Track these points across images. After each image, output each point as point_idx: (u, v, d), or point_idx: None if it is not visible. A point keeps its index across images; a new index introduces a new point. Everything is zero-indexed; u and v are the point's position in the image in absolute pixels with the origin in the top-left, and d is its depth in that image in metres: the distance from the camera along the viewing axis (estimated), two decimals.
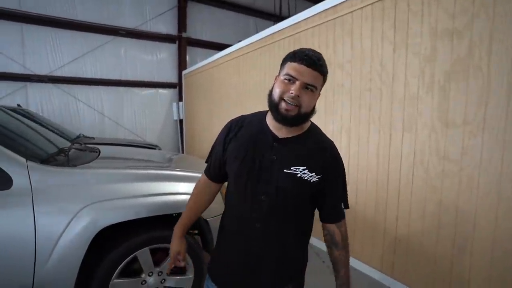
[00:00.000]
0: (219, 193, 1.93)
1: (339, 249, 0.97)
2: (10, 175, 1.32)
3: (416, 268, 2.01)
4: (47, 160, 1.52)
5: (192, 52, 7.27)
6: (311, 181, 0.89)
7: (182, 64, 7.00)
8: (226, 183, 1.10)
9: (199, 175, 1.89)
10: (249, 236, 0.94)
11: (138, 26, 6.41)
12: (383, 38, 2.15)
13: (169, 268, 1.19)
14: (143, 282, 1.67)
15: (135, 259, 1.62)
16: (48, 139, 2.01)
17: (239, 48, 4.26)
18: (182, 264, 1.16)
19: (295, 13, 3.31)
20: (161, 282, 1.73)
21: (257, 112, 1.05)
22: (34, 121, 3.07)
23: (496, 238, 1.60)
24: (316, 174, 0.89)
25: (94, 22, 5.89)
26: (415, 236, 2.02)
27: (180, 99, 7.10)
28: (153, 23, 6.63)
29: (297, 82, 0.83)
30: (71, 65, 5.79)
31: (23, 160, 1.38)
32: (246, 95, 4.11)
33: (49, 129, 2.87)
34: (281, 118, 0.87)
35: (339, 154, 0.98)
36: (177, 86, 7.12)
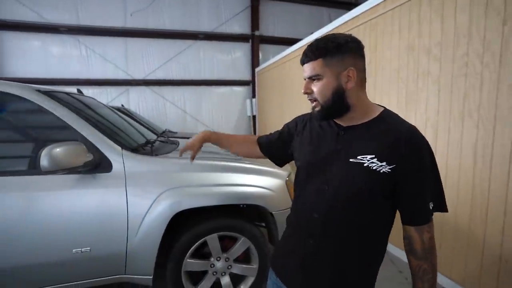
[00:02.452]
0: (286, 189, 1.95)
1: (417, 258, 0.81)
2: (111, 161, 1.60)
3: None
4: (137, 149, 1.77)
5: (264, 49, 7.44)
6: (381, 171, 0.77)
7: (255, 62, 7.24)
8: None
9: (271, 169, 1.95)
10: (307, 230, 0.89)
11: (215, 29, 6.90)
12: (487, 9, 1.75)
13: (182, 151, 1.18)
14: (212, 265, 1.81)
15: (205, 243, 1.76)
16: (140, 132, 2.35)
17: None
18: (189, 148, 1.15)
19: None
20: (227, 267, 1.84)
21: None
22: (131, 117, 3.65)
23: None
24: (388, 164, 0.76)
25: (178, 29, 6.62)
26: None
27: (254, 95, 7.36)
28: (228, 24, 7.04)
29: (305, 80, 0.85)
30: (160, 69, 6.67)
31: (119, 148, 1.64)
32: None
33: (141, 124, 3.37)
34: (313, 115, 0.88)
35: (422, 141, 0.79)
36: (251, 83, 7.40)
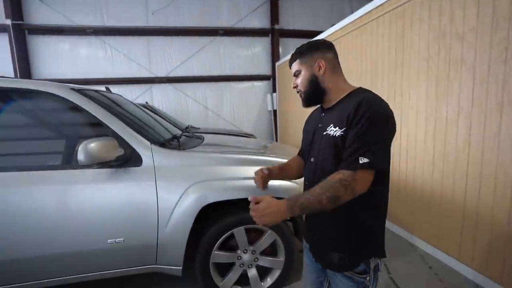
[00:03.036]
0: None
1: (321, 184, 0.89)
2: (141, 155, 1.66)
3: None
4: (164, 144, 1.82)
5: (284, 43, 7.35)
6: (336, 135, 0.95)
7: (275, 56, 7.18)
8: None
9: None
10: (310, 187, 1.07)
11: (235, 25, 6.90)
12: None
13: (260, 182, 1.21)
14: (239, 258, 1.84)
15: (232, 236, 1.80)
16: (166, 128, 2.42)
17: (332, 33, 4.04)
18: (259, 178, 1.20)
19: None
20: (254, 260, 1.86)
21: None
22: (156, 114, 3.75)
23: None
24: (340, 128, 0.94)
25: (198, 26, 6.69)
26: None
27: (274, 90, 7.32)
28: (248, 19, 7.01)
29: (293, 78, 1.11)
30: (182, 66, 6.78)
31: (148, 143, 1.70)
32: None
33: (166, 120, 3.46)
34: (303, 104, 1.11)
35: (367, 107, 0.89)
36: (271, 78, 7.36)
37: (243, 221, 1.78)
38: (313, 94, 1.07)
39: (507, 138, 1.78)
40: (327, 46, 1.09)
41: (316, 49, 1.07)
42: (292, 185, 1.83)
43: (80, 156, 1.43)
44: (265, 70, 7.36)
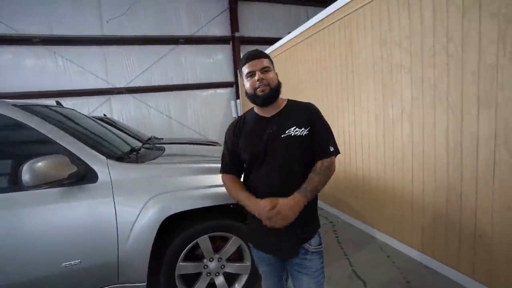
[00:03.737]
0: None
1: (313, 172, 1.13)
2: (96, 171, 1.60)
3: (504, 271, 1.72)
4: (122, 158, 1.77)
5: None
6: (303, 134, 1.14)
7: (237, 63, 7.27)
8: None
9: None
10: (270, 192, 1.13)
11: (195, 33, 6.89)
12: (448, 4, 1.86)
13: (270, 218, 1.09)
14: (205, 267, 1.83)
15: (197, 245, 1.79)
16: (124, 141, 2.34)
17: (289, 40, 4.21)
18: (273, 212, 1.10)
19: None
20: (221, 267, 1.87)
21: (247, 110, 1.33)
22: (115, 126, 3.61)
23: None
24: (305, 128, 1.14)
25: (157, 35, 6.56)
26: (500, 233, 1.72)
27: (238, 96, 7.39)
28: (208, 27, 7.03)
29: (257, 72, 1.14)
30: (142, 76, 6.59)
31: (104, 158, 1.64)
32: (299, 87, 4.05)
33: (126, 133, 3.34)
34: (262, 99, 1.15)
35: (318, 110, 1.23)
36: (234, 84, 7.43)
37: (207, 230, 1.79)
38: (276, 94, 1.17)
39: (441, 133, 2.00)
40: None
41: (268, 55, 1.22)
42: None
43: (25, 177, 1.34)
44: (228, 77, 7.42)
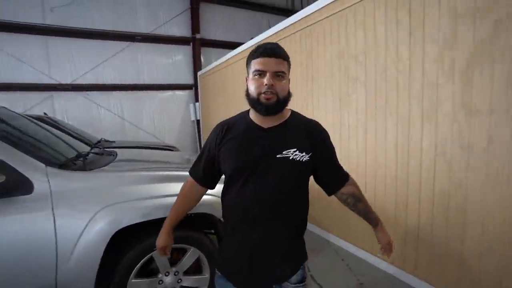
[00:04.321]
0: None
1: (363, 201, 1.08)
2: (31, 180, 1.39)
3: (441, 268, 1.90)
4: (66, 164, 1.57)
5: (206, 53, 7.35)
6: (303, 160, 0.96)
7: (197, 65, 7.10)
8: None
9: None
10: (252, 222, 0.98)
11: (153, 31, 6.57)
12: (398, 26, 2.03)
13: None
14: (160, 282, 1.70)
15: (151, 259, 1.66)
16: (69, 145, 2.09)
17: (250, 46, 4.23)
18: (167, 256, 1.24)
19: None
20: (177, 281, 1.76)
21: (239, 113, 1.10)
22: (58, 128, 3.23)
23: None
24: (306, 153, 0.96)
25: (111, 29, 6.10)
26: (439, 234, 1.91)
27: (197, 99, 7.20)
28: (167, 26, 6.76)
29: (267, 74, 0.91)
30: (92, 72, 6.05)
31: (42, 165, 1.44)
32: None
33: (71, 135, 3.01)
34: (265, 109, 0.93)
35: (325, 131, 1.06)
36: (193, 87, 7.23)
37: None
38: (282, 106, 0.96)
39: (391, 143, 2.17)
40: None
41: (289, 57, 0.98)
42: (214, 199, 1.81)
43: None
44: (187, 79, 7.20)
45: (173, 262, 1.75)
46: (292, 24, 3.20)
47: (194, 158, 2.89)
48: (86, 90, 6.04)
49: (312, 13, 2.83)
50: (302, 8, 6.59)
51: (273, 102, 0.92)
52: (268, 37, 3.73)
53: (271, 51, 0.91)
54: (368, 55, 2.29)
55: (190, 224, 1.87)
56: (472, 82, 1.65)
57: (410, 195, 2.06)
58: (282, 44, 3.52)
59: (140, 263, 1.61)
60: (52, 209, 1.40)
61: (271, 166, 0.95)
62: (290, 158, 0.95)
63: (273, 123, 0.98)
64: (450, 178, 1.81)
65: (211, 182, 1.13)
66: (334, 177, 1.07)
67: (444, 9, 1.75)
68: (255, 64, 0.92)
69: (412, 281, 2.09)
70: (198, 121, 7.21)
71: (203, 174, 1.10)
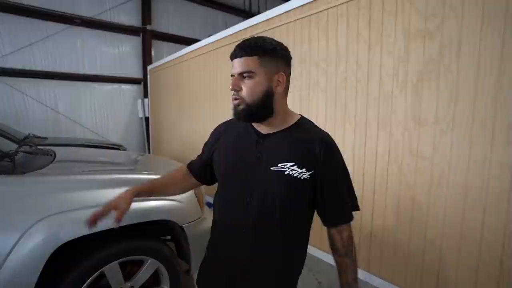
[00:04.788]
0: (195, 199, 1.84)
1: (340, 255, 0.88)
2: None
3: (391, 262, 2.07)
4: None
5: (158, 46, 6.88)
6: (302, 178, 0.79)
7: (147, 59, 6.59)
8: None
9: None
10: (236, 243, 0.86)
11: (96, 15, 5.88)
12: (358, 37, 2.16)
13: (92, 217, 0.87)
14: None
15: (102, 275, 1.44)
16: None
17: (209, 43, 4.09)
18: (118, 217, 0.86)
19: (265, 10, 3.25)
20: None
21: None
22: None
23: (463, 233, 1.68)
24: (307, 170, 0.80)
25: (43, 7, 5.27)
26: (389, 232, 2.07)
27: (146, 95, 6.69)
28: (114, 13, 6.13)
29: (233, 78, 0.81)
30: (17, 55, 5.12)
31: None
32: (218, 92, 3.97)
33: None
34: (235, 115, 0.83)
35: (335, 146, 0.86)
36: (142, 81, 6.70)
37: (117, 255, 1.47)
38: (260, 110, 0.81)
39: (348, 147, 2.29)
40: (290, 60, 0.87)
41: (283, 56, 0.83)
42: (173, 204, 1.67)
43: None
44: (136, 72, 6.64)
45: (128, 276, 1.55)
46: (255, 25, 3.18)
47: (141, 158, 2.66)
48: (7, 76, 5.09)
49: (277, 16, 2.85)
50: (259, 11, 6.66)
51: (241, 109, 0.81)
52: (229, 35, 3.65)
53: (238, 49, 0.80)
54: (329, 62, 2.39)
55: (147, 232, 1.69)
56: (422, 95, 1.83)
57: (365, 196, 2.20)
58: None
59: (88, 281, 1.38)
60: None
61: (263, 180, 0.82)
62: (286, 172, 0.79)
63: (272, 129, 0.85)
64: (400, 180, 1.98)
65: (208, 180, 1.04)
66: (329, 210, 0.86)
67: (399, 27, 1.91)
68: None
69: (364, 276, 2.23)
70: (147, 118, 6.70)
71: (197, 164, 1.03)
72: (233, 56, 0.82)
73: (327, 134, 0.88)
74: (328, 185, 0.83)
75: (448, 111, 1.71)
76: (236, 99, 0.81)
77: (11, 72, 5.09)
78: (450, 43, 1.67)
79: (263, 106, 0.80)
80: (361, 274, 2.26)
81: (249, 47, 0.79)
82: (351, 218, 0.87)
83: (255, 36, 0.86)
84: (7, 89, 5.10)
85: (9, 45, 5.05)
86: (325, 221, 0.89)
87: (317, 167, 0.81)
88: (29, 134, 3.26)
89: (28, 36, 5.19)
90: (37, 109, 5.39)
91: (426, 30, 1.78)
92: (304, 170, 0.80)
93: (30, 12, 5.15)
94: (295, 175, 0.79)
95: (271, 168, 0.81)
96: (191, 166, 1.05)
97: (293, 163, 0.80)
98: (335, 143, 0.87)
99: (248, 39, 0.82)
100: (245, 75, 0.79)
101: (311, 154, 0.81)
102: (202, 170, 1.02)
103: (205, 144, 1.03)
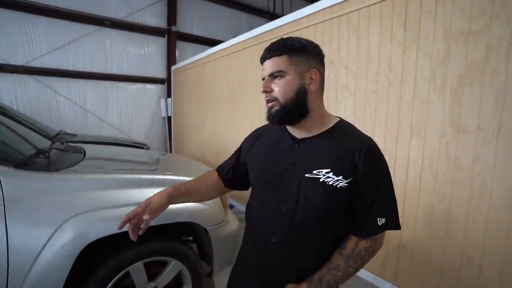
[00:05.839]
0: (219, 201, 1.82)
1: (341, 254, 0.79)
2: None
3: (421, 277, 1.95)
4: (24, 163, 1.31)
5: (182, 47, 7.01)
6: (338, 186, 0.74)
7: (171, 59, 6.73)
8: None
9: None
10: (266, 252, 0.82)
11: (125, 17, 6.08)
12: (392, 38, 2.06)
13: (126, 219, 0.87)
14: None
15: (127, 274, 1.45)
16: (25, 139, 1.78)
17: (234, 44, 4.09)
18: (147, 217, 0.84)
19: (290, 12, 3.19)
20: None
21: None
22: (7, 116, 2.79)
23: (508, 251, 1.55)
24: (344, 178, 0.74)
25: (76, 10, 5.52)
26: (421, 244, 1.95)
27: (169, 95, 6.83)
28: (141, 14, 6.31)
29: (264, 79, 0.80)
30: (51, 55, 5.39)
31: None
32: (241, 94, 3.96)
33: (25, 126, 2.61)
34: (269, 118, 0.81)
35: (377, 152, 0.79)
36: (166, 81, 6.85)
37: (143, 255, 1.47)
38: (295, 110, 0.78)
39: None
40: (323, 56, 0.86)
41: (314, 53, 0.81)
42: (198, 206, 1.66)
43: None
44: (160, 72, 6.79)
45: (152, 276, 1.56)
46: (280, 26, 3.13)
47: (163, 158, 2.69)
48: (42, 75, 5.37)
49: (304, 17, 2.79)
50: (283, 13, 6.61)
51: (275, 110, 0.78)
52: (253, 36, 3.63)
53: (267, 51, 0.80)
54: (359, 64, 2.30)
55: (172, 233, 1.69)
56: (462, 101, 1.70)
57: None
58: (264, 46, 3.42)
59: (113, 280, 1.39)
60: (5, 217, 1.15)
61: (297, 187, 0.77)
62: (321, 180, 0.75)
63: (308, 133, 0.82)
64: (434, 190, 1.86)
65: (238, 187, 1.01)
66: (359, 222, 0.79)
67: (439, 28, 1.79)
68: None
69: None
70: (169, 118, 6.84)
71: (227, 169, 1.00)
72: (263, 59, 0.81)
73: (369, 138, 0.82)
74: (364, 193, 0.77)
75: (493, 118, 1.58)
76: (269, 101, 0.79)
77: (45, 71, 5.36)
78: (498, 44, 1.54)
79: (297, 105, 0.77)
80: (389, 286, 2.15)
81: (278, 47, 0.78)
82: (376, 230, 0.79)
83: (283, 37, 0.85)
84: (40, 87, 5.38)
85: (45, 45, 5.33)
86: (350, 228, 0.82)
87: (356, 175, 0.75)
88: (60, 131, 3.40)
89: (62, 37, 5.46)
90: (67, 107, 5.65)
91: (470, 31, 1.66)
92: (340, 177, 0.75)
93: (64, 14, 5.41)
94: (330, 183, 0.74)
95: (306, 175, 0.77)
96: (223, 173, 1.02)
97: (329, 170, 0.75)
98: (378, 149, 0.81)
99: (277, 41, 0.81)
100: (275, 75, 0.78)
101: (349, 161, 0.75)
102: (232, 177, 1.00)
103: (238, 150, 1.00)
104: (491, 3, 1.56)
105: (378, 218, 0.77)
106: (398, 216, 0.83)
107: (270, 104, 0.79)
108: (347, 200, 0.77)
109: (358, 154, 0.76)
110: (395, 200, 0.82)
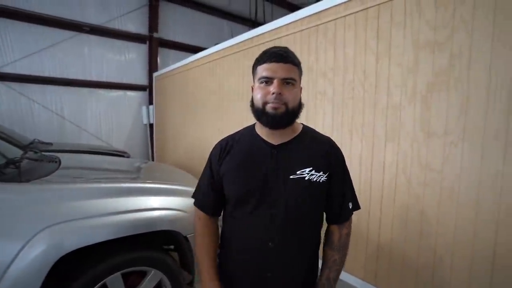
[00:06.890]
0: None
1: (332, 249, 0.92)
2: None
3: (398, 276, 2.01)
4: None
5: (163, 54, 6.96)
6: (321, 181, 0.85)
7: (153, 66, 6.66)
8: None
9: (180, 187, 1.76)
10: (263, 256, 0.86)
11: (104, 23, 5.98)
12: (366, 47, 2.16)
13: None
14: None
15: (104, 286, 1.41)
16: None
17: (216, 51, 4.12)
18: None
19: (271, 20, 3.27)
20: None
21: (244, 128, 0.99)
22: None
23: (475, 249, 1.63)
24: (323, 173, 0.85)
25: (53, 15, 5.37)
26: (397, 244, 2.02)
27: (151, 102, 6.73)
28: (122, 21, 6.23)
29: (275, 81, 0.81)
30: (24, 61, 5.19)
31: None
32: (224, 100, 3.98)
33: None
34: (271, 120, 0.82)
35: (339, 148, 0.95)
36: (147, 88, 6.75)
37: (119, 266, 1.44)
38: (292, 118, 0.85)
39: (355, 158, 2.26)
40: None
41: (301, 73, 0.88)
42: (178, 214, 1.64)
43: None
44: (141, 79, 6.69)
45: (130, 287, 1.52)
46: (261, 34, 3.19)
47: (144, 166, 2.65)
48: (16, 81, 5.15)
49: (284, 25, 2.87)
50: (265, 21, 6.73)
51: (280, 113, 0.81)
52: (236, 44, 3.67)
53: (280, 55, 0.82)
54: (336, 72, 2.38)
55: (151, 242, 1.66)
56: (431, 107, 1.81)
57: (372, 208, 2.16)
58: (249, 53, 3.48)
59: None
60: None
61: (284, 190, 0.82)
62: (306, 178, 0.83)
63: (284, 139, 0.87)
64: (409, 192, 1.94)
65: (220, 207, 0.98)
66: (336, 209, 0.91)
67: (408, 38, 1.90)
68: (262, 70, 0.83)
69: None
70: (151, 125, 6.72)
71: (214, 203, 0.95)
72: (274, 60, 0.81)
73: (330, 138, 0.98)
74: (336, 185, 0.90)
75: (459, 123, 1.69)
76: (277, 103, 0.80)
77: (18, 77, 5.15)
78: (460, 54, 1.66)
79: (296, 114, 0.86)
80: None
81: (291, 57, 0.84)
82: (348, 217, 0.94)
83: (276, 45, 0.92)
84: (12, 94, 5.16)
85: (18, 51, 5.13)
86: (330, 219, 0.95)
87: (331, 170, 0.87)
88: (34, 139, 3.27)
89: (37, 43, 5.28)
90: (42, 114, 5.44)
91: (436, 42, 1.77)
92: (321, 173, 0.85)
93: (40, 19, 5.24)
94: (315, 179, 0.84)
95: (291, 177, 0.83)
96: (210, 211, 0.96)
97: (311, 168, 0.84)
98: (338, 147, 0.97)
99: (285, 47, 0.87)
100: (288, 81, 0.82)
101: (324, 158, 0.87)
102: (216, 204, 0.96)
103: (208, 171, 0.94)
104: (452, 17, 1.67)
105: (348, 203, 0.93)
106: (357, 198, 1.00)
107: (276, 106, 0.81)
108: (325, 192, 0.88)
109: (329, 152, 0.89)
110: (353, 185, 0.99)
